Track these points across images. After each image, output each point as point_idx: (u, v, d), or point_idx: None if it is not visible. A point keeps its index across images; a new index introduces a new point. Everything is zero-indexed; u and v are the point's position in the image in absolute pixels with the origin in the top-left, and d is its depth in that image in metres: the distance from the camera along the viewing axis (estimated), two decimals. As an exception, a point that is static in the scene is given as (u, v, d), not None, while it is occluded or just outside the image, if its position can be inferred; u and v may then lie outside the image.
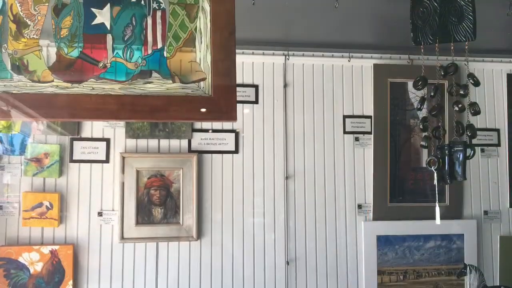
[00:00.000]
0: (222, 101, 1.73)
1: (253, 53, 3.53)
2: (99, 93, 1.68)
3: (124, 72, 1.71)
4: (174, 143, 3.42)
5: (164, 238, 3.34)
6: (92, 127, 3.36)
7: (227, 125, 3.48)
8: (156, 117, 1.73)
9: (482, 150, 3.70)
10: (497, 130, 3.75)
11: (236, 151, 3.48)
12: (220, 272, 3.40)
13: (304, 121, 3.57)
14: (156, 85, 1.72)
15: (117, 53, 1.72)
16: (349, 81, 3.65)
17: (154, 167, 3.36)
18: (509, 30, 3.29)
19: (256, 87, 3.54)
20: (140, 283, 3.32)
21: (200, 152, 3.42)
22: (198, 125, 3.44)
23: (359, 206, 3.56)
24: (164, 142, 3.41)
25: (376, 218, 3.55)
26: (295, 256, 3.46)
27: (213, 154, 3.46)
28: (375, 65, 3.63)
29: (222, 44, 1.76)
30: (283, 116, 3.54)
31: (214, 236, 3.41)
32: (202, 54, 1.76)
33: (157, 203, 3.35)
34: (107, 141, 3.36)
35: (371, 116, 3.60)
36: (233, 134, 3.47)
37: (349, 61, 3.63)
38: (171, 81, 1.73)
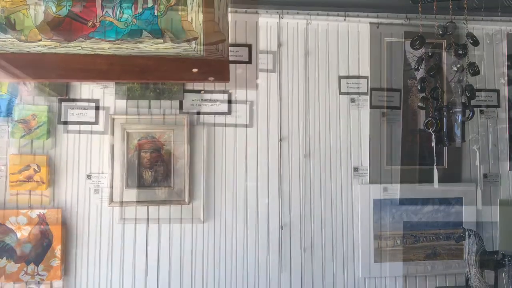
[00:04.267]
0: (214, 61, 1.71)
1: (246, 12, 3.44)
2: (88, 53, 1.65)
3: (114, 31, 1.68)
4: (165, 104, 3.35)
5: (155, 202, 3.30)
6: (81, 88, 3.28)
7: (219, 85, 3.41)
8: (146, 77, 1.71)
9: (481, 112, 3.65)
10: (497, 91, 3.70)
11: (228, 112, 3.41)
12: (213, 236, 3.37)
13: (298, 82, 3.50)
14: (147, 45, 1.69)
15: (106, 11, 1.69)
16: (344, 40, 3.58)
17: (145, 128, 3.29)
18: (509, -12, 3.24)
19: (249, 46, 3.46)
20: (130, 247, 3.30)
21: (192, 113, 3.36)
22: (189, 85, 3.36)
23: (355, 169, 3.51)
24: (154, 103, 3.33)
25: (372, 181, 3.51)
26: (289, 220, 3.43)
27: (205, 116, 3.39)
28: (372, 24, 3.55)
29: (214, 3, 1.73)
30: (277, 76, 3.47)
31: (206, 200, 3.37)
32: (194, 13, 1.72)
33: (147, 165, 3.30)
34: (96, 102, 3.28)
35: (367, 77, 3.54)
36: (225, 95, 3.40)
37: (344, 20, 3.55)
38: (162, 41, 1.70)
